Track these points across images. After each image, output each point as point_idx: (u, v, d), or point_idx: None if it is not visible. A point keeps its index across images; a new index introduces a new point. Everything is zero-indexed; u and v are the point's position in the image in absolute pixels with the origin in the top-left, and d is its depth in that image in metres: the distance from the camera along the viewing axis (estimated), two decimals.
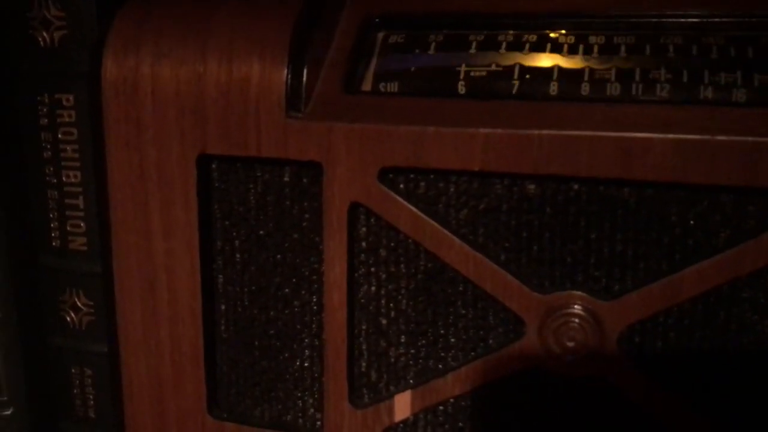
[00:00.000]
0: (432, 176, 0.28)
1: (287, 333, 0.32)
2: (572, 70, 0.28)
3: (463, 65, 0.29)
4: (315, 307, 0.31)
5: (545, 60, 0.28)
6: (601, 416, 0.28)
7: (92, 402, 0.37)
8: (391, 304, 0.30)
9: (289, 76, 0.29)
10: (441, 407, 0.30)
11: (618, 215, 0.27)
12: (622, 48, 0.28)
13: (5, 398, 0.37)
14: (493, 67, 0.28)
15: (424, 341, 0.30)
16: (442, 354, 0.30)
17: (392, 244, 0.30)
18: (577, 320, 0.27)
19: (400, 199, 0.28)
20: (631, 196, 0.27)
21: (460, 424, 0.30)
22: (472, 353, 0.30)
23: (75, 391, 0.37)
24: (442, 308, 0.30)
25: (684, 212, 0.26)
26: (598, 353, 0.27)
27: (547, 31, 0.29)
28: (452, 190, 0.28)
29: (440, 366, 0.30)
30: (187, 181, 0.31)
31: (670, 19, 0.28)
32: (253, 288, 0.32)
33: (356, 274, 0.30)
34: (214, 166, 0.31)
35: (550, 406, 0.29)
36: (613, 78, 0.27)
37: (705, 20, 0.28)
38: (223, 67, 0.29)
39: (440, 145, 0.27)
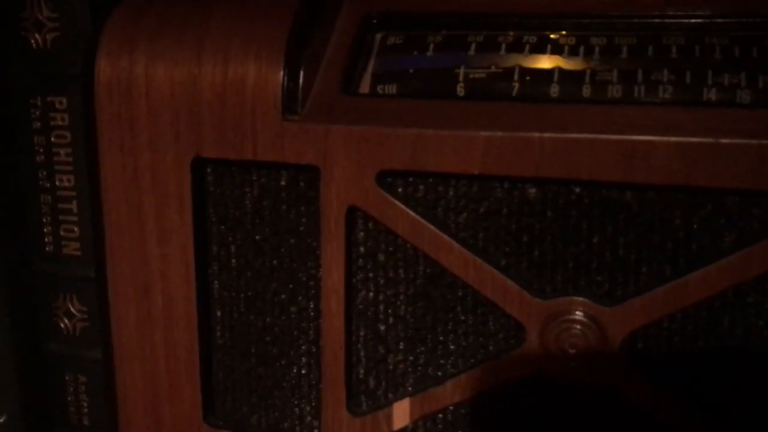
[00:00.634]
0: (431, 180, 0.28)
1: (284, 339, 0.31)
2: (573, 71, 0.27)
3: (462, 67, 0.28)
4: (312, 313, 0.31)
5: (546, 61, 0.28)
6: (604, 424, 0.28)
7: (86, 409, 0.36)
8: (390, 310, 0.30)
9: (286, 78, 0.28)
10: (440, 415, 0.30)
11: (620, 219, 0.26)
12: (624, 49, 0.27)
13: None
14: (493, 69, 0.28)
15: (423, 348, 0.30)
16: (442, 361, 0.30)
17: (391, 249, 0.29)
18: (578, 326, 0.27)
19: (399, 203, 0.28)
20: (633, 199, 0.26)
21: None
22: (472, 360, 0.29)
23: (69, 398, 0.37)
24: (442, 314, 0.29)
25: (688, 216, 0.26)
26: (600, 360, 0.27)
27: (548, 32, 0.28)
28: (451, 193, 0.28)
29: (439, 373, 0.30)
30: (181, 184, 0.30)
31: (673, 20, 0.27)
32: (250, 294, 0.31)
33: (354, 280, 0.30)
34: (209, 169, 0.31)
35: (552, 414, 0.28)
36: (614, 79, 0.27)
37: (708, 20, 0.27)
38: (219, 68, 0.29)
39: (439, 148, 0.27)
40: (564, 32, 0.28)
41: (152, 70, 0.29)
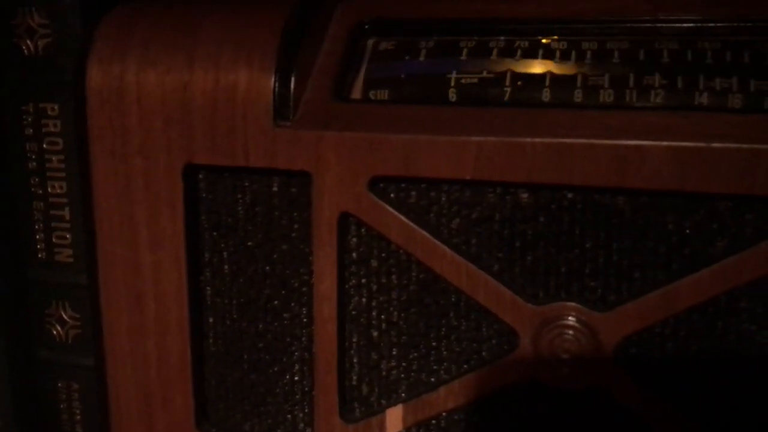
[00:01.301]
0: (423, 185, 0.28)
1: (277, 346, 0.31)
2: (565, 76, 0.27)
3: (454, 72, 0.28)
4: (305, 320, 0.31)
5: (537, 66, 0.28)
6: (598, 429, 0.28)
7: (79, 416, 0.36)
8: (383, 316, 0.30)
9: (277, 84, 0.28)
10: (434, 421, 0.30)
11: (613, 224, 0.26)
12: (616, 53, 0.27)
13: None
14: (485, 74, 0.28)
15: (416, 354, 0.30)
16: (435, 367, 0.29)
17: (383, 255, 0.29)
18: (571, 332, 0.27)
19: (391, 209, 0.28)
20: (626, 204, 0.26)
21: None
22: (465, 366, 0.29)
23: (62, 405, 0.37)
24: (435, 320, 0.29)
25: (680, 221, 0.26)
26: (593, 365, 0.27)
27: (539, 37, 0.28)
28: (444, 199, 0.28)
29: (433, 379, 0.30)
30: (173, 191, 0.30)
31: (664, 24, 0.27)
32: (242, 300, 0.31)
33: (347, 286, 0.29)
34: (201, 176, 0.30)
35: (546, 420, 0.28)
36: (606, 84, 0.27)
37: (700, 25, 0.27)
38: (210, 74, 0.29)
39: (431, 153, 0.27)
40: (555, 37, 0.28)
41: (143, 76, 0.29)
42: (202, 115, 0.29)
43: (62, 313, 0.35)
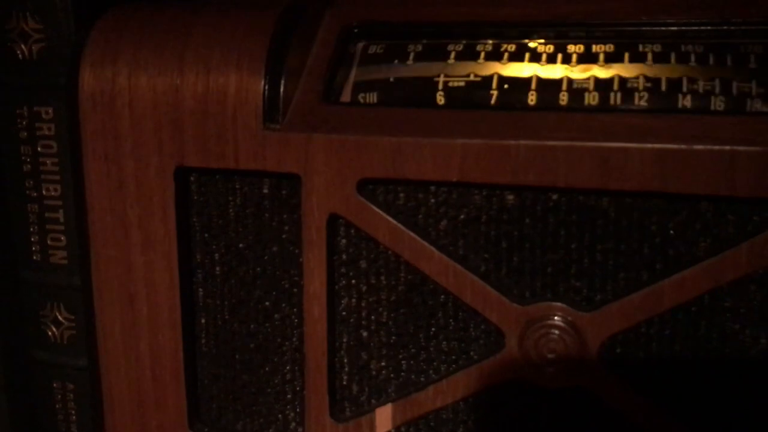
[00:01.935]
0: (411, 187, 0.28)
1: (268, 346, 0.32)
2: (550, 80, 0.27)
3: (442, 75, 0.28)
4: (296, 320, 0.31)
5: (523, 70, 0.28)
6: (584, 427, 0.28)
7: (74, 417, 0.37)
8: (372, 317, 0.30)
9: (266, 87, 0.28)
10: (423, 420, 0.30)
11: (598, 225, 0.27)
12: (601, 56, 0.28)
13: None
14: (472, 77, 0.28)
15: (405, 354, 0.30)
16: (424, 366, 0.30)
17: (372, 256, 0.29)
18: (557, 332, 0.27)
19: (379, 211, 0.28)
20: (610, 205, 0.26)
21: None
22: (454, 365, 0.29)
23: (57, 405, 0.37)
24: (423, 320, 0.29)
25: (664, 222, 0.26)
26: (579, 364, 0.27)
27: (526, 40, 0.29)
28: (432, 200, 0.28)
29: (422, 378, 0.30)
30: (165, 193, 0.30)
31: (649, 27, 0.28)
32: (234, 301, 0.32)
33: (336, 287, 0.30)
34: (192, 178, 0.31)
35: (533, 418, 0.29)
36: (591, 87, 0.27)
37: (683, 28, 0.27)
38: (201, 78, 0.29)
39: (418, 156, 0.27)
40: (542, 40, 0.29)
41: (135, 80, 0.30)
42: (192, 118, 0.29)
43: (57, 314, 0.36)
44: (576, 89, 0.27)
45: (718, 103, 0.26)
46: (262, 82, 0.29)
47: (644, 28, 0.28)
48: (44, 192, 0.34)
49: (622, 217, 0.26)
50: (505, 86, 0.28)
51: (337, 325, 0.30)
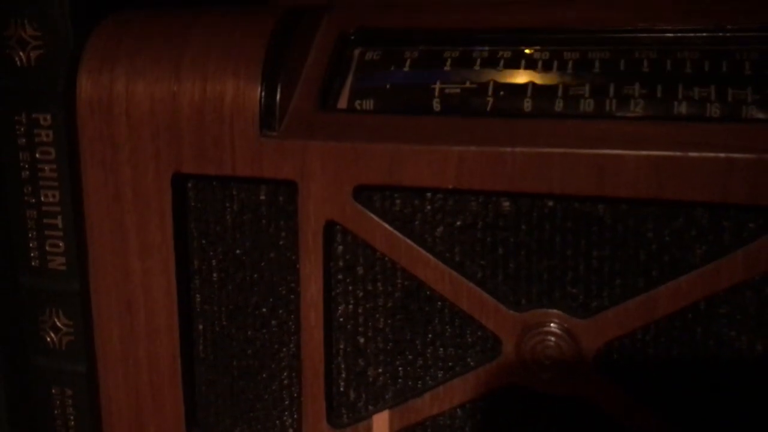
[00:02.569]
0: (407, 194, 0.28)
1: (265, 352, 0.32)
2: (546, 86, 0.27)
3: (438, 82, 0.29)
4: (293, 327, 0.31)
5: (519, 76, 0.28)
6: None
7: (73, 422, 0.37)
8: (369, 323, 0.30)
9: (263, 95, 0.29)
10: (420, 427, 0.30)
11: (593, 232, 0.27)
12: (597, 63, 0.28)
13: None
14: (468, 84, 0.28)
15: (402, 360, 0.30)
16: (421, 373, 0.30)
17: (369, 263, 0.29)
18: (553, 338, 0.27)
19: (375, 218, 0.28)
20: (606, 212, 0.26)
21: None
22: (451, 372, 0.29)
23: (56, 411, 0.37)
24: (420, 327, 0.29)
25: (660, 228, 0.26)
26: (575, 371, 0.27)
27: (522, 47, 0.29)
28: (428, 207, 0.28)
29: (419, 385, 0.30)
30: (162, 200, 0.30)
31: (644, 34, 0.28)
32: (231, 307, 0.32)
33: (333, 293, 0.30)
34: (189, 185, 0.31)
35: (529, 425, 0.29)
36: (587, 94, 0.27)
37: (679, 35, 0.27)
38: (198, 85, 0.29)
39: (415, 163, 0.27)
40: (538, 47, 0.29)
41: (132, 87, 0.30)
42: (189, 124, 0.29)
43: (56, 320, 0.36)
44: (571, 96, 0.27)
45: (713, 110, 0.26)
46: (259, 89, 0.29)
47: (640, 35, 0.28)
48: (43, 198, 0.34)
49: (617, 223, 0.26)
50: (501, 93, 0.28)
51: (334, 332, 0.30)
